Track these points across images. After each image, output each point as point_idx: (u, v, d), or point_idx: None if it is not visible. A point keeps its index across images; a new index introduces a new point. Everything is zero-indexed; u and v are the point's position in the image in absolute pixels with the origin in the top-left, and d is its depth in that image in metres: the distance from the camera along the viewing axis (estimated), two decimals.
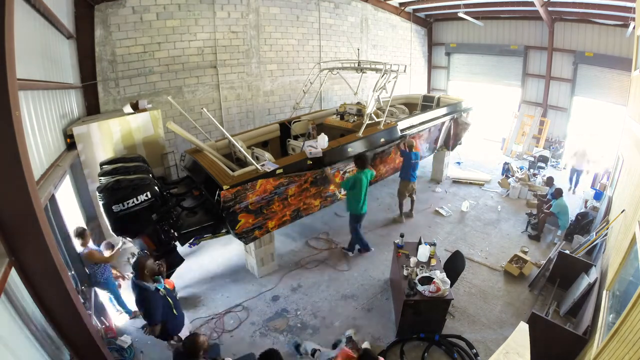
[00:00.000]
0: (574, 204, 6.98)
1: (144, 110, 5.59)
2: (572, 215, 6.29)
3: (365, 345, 3.74)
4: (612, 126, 8.62)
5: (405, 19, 11.68)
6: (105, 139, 5.07)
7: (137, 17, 6.33)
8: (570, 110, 10.09)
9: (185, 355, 2.68)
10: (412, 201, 6.69)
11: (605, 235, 4.93)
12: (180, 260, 4.28)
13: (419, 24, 12.31)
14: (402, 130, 6.23)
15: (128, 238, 4.05)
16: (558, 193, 5.93)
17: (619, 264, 3.27)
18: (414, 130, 6.53)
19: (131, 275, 3.12)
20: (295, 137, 6.42)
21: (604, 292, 3.45)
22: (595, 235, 5.12)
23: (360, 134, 5.53)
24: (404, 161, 6.20)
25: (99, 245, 4.06)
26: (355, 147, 5.43)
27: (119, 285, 4.30)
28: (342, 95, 9.96)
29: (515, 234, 6.24)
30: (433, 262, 4.23)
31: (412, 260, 4.17)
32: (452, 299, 3.82)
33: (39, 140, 3.51)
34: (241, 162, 5.27)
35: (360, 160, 5.01)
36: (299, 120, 6.61)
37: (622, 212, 4.28)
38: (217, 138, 6.00)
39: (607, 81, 8.90)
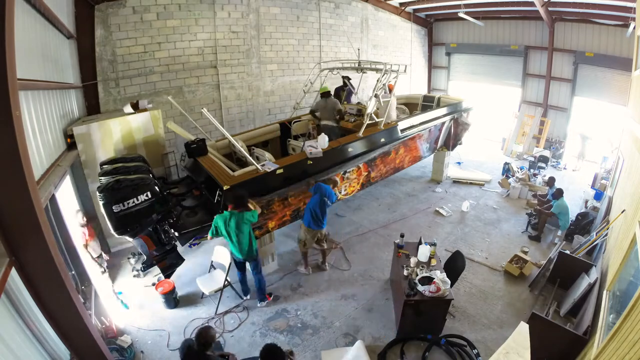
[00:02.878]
0: (574, 204, 6.98)
1: (144, 110, 5.60)
2: (572, 216, 6.28)
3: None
4: (612, 126, 8.61)
5: (406, 19, 11.67)
6: (105, 139, 5.07)
7: (138, 17, 6.34)
8: (570, 110, 10.08)
9: (199, 346, 2.70)
10: (324, 252, 5.11)
11: (606, 235, 4.92)
12: (180, 260, 4.28)
13: (419, 24, 12.30)
14: (402, 130, 6.23)
15: (128, 238, 4.05)
16: (559, 193, 5.93)
17: (619, 264, 3.26)
18: (414, 130, 6.52)
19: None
20: (296, 137, 6.43)
21: (604, 292, 3.44)
22: (596, 235, 5.11)
23: (361, 134, 5.53)
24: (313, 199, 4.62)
25: None
26: (356, 147, 5.44)
27: None
28: None
29: (515, 234, 6.23)
30: (433, 262, 4.22)
31: (413, 260, 4.16)
32: (452, 299, 3.81)
33: (39, 140, 3.51)
34: (241, 162, 5.27)
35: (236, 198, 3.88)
36: (299, 120, 6.62)
37: (622, 212, 4.28)
38: (217, 138, 5.99)
39: (607, 81, 8.89)
